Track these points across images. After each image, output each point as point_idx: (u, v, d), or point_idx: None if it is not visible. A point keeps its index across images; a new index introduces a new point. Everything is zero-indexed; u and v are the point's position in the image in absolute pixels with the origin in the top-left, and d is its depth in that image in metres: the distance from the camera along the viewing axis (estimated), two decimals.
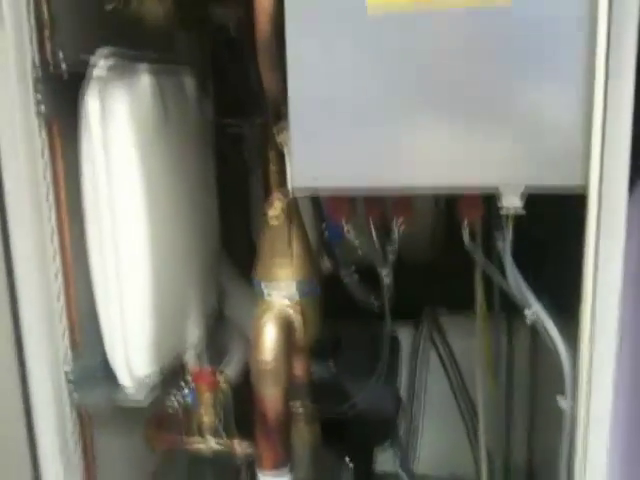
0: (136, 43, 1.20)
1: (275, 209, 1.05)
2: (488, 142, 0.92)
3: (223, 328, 1.49)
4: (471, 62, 0.90)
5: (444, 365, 1.64)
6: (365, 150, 0.94)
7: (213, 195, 1.46)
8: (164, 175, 1.20)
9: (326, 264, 1.39)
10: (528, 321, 1.01)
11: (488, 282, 1.30)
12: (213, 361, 1.35)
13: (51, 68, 1.04)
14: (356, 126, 0.94)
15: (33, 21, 1.02)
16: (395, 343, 1.56)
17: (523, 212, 0.93)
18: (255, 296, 1.18)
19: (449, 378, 1.64)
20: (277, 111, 1.07)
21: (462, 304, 1.42)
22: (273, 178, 1.21)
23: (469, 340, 1.49)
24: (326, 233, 1.24)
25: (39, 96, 1.02)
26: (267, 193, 1.39)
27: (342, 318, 1.41)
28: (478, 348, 1.45)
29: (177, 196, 1.25)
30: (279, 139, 1.08)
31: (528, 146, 0.91)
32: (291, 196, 1.03)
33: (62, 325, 1.11)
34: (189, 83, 1.32)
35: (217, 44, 1.45)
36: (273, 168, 1.22)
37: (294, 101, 0.95)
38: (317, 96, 0.94)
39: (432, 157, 0.93)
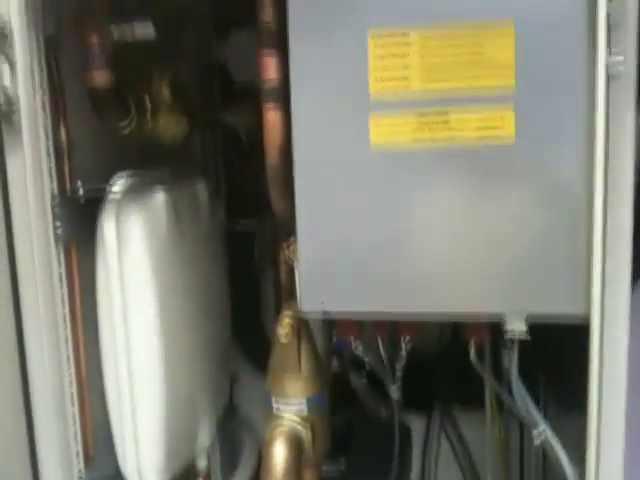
0: (151, 158, 1.26)
1: (284, 327, 1.07)
2: (492, 270, 0.94)
3: (235, 423, 1.51)
4: (473, 196, 0.93)
5: (456, 456, 1.64)
6: (373, 278, 0.97)
7: (225, 292, 1.49)
8: (177, 284, 1.23)
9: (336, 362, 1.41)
10: (536, 441, 1.02)
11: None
12: (224, 462, 1.36)
13: (68, 193, 1.09)
14: (364, 255, 0.97)
15: (52, 148, 1.06)
16: (407, 436, 1.57)
17: (528, 337, 0.95)
18: (266, 398, 1.20)
19: (461, 469, 1.63)
20: (287, 229, 1.10)
21: (474, 399, 1.43)
22: (284, 288, 1.24)
23: (482, 431, 1.49)
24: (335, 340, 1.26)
25: (57, 223, 1.05)
26: (278, 290, 1.42)
27: (354, 405, 1.44)
28: (489, 443, 1.45)
29: (190, 302, 1.28)
30: (288, 254, 1.11)
31: (532, 275, 0.93)
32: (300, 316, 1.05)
33: (76, 438, 1.12)
34: (202, 191, 1.36)
35: (229, 147, 1.49)
36: (284, 277, 1.24)
37: (303, 230, 0.99)
38: (326, 225, 0.98)
39: (437, 285, 0.96)
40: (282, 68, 0.99)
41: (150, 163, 1.24)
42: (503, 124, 0.91)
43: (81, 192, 1.08)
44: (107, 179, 1.13)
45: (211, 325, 1.38)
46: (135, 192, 1.13)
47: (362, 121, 0.95)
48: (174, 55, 1.31)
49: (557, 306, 0.93)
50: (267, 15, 0.99)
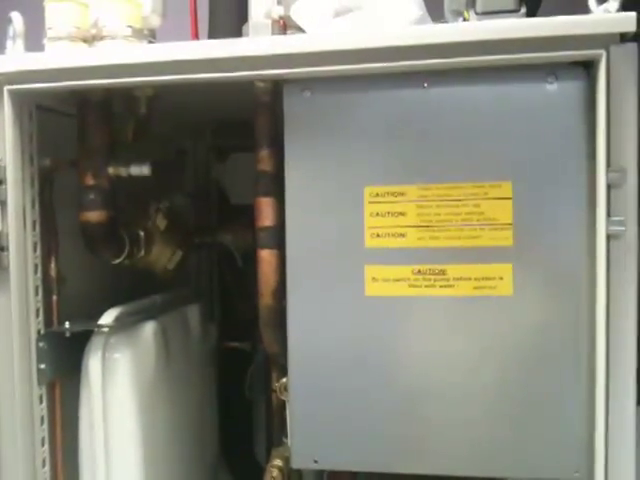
0: (144, 284, 1.23)
1: (273, 478, 1.03)
2: (491, 432, 0.90)
3: None
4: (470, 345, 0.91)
5: None
6: (365, 436, 0.93)
7: (214, 417, 1.45)
8: (163, 418, 1.18)
9: None
10: None
11: None
12: None
13: (55, 328, 1.06)
14: (357, 411, 0.93)
15: (40, 286, 1.04)
16: None
17: None
18: None
19: None
20: (282, 367, 1.07)
21: None
22: (276, 419, 1.20)
23: None
24: None
25: (42, 365, 1.02)
26: (270, 416, 1.37)
27: None
28: None
29: (176, 432, 1.23)
30: (282, 396, 1.07)
31: (531, 439, 0.90)
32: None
33: None
34: (194, 315, 1.34)
35: (224, 268, 1.47)
36: (276, 409, 1.20)
37: (294, 385, 0.96)
38: (321, 380, 0.95)
39: (434, 447, 0.92)
40: (279, 214, 0.98)
41: (142, 289, 1.22)
42: (501, 280, 0.89)
43: (67, 326, 1.05)
44: (98, 309, 1.10)
45: (198, 452, 1.33)
46: (123, 325, 1.10)
47: (357, 271, 0.93)
48: (172, 184, 1.30)
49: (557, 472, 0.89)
50: (265, 164, 0.99)
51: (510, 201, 0.88)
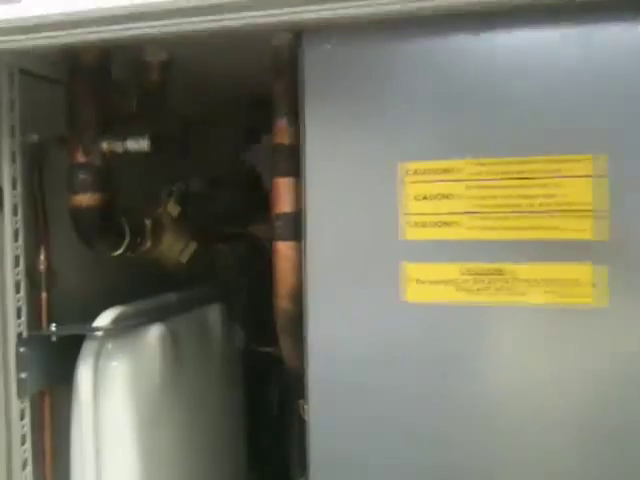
0: (156, 282, 1.07)
1: None
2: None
3: None
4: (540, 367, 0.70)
5: None
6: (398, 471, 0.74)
7: (240, 429, 1.28)
8: (171, 436, 1.02)
9: None
10: None
11: None
12: None
13: (45, 331, 0.91)
14: (391, 445, 0.74)
15: (24, 279, 0.89)
16: None
17: None
18: None
19: None
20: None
21: None
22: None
23: None
24: None
25: (22, 374, 0.87)
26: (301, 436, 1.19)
27: None
28: None
29: (187, 448, 1.07)
30: (304, 415, 0.89)
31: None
32: None
33: None
34: (215, 317, 1.17)
35: (256, 263, 1.30)
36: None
37: (314, 412, 0.80)
38: (341, 409, 0.77)
39: None
40: (301, 198, 0.79)
41: (156, 286, 1.06)
42: (590, 287, 0.68)
43: (53, 329, 0.89)
44: (97, 309, 0.94)
45: (217, 472, 1.16)
46: (123, 328, 0.93)
47: (391, 272, 0.73)
48: (189, 165, 1.14)
49: None
50: (283, 136, 0.81)
51: (604, 180, 0.67)
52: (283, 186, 0.81)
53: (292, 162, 0.80)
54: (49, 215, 0.93)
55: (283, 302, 0.84)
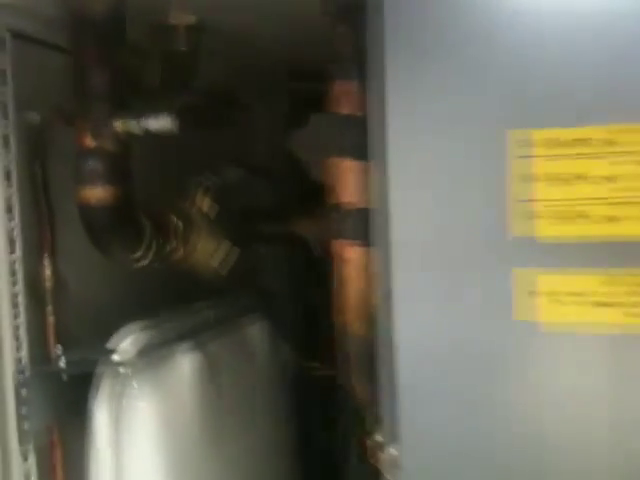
0: (183, 291, 0.89)
1: None
2: None
3: None
4: None
5: None
6: None
7: (292, 463, 1.09)
8: (209, 474, 0.84)
9: None
10: None
11: None
12: None
13: (51, 360, 0.74)
14: None
15: (22, 295, 0.72)
16: None
17: None
18: None
19: None
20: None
21: None
22: None
23: None
24: None
25: (24, 409, 0.70)
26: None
27: None
28: None
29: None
30: (375, 462, 0.71)
31: None
32: None
33: None
34: (259, 333, 0.99)
35: (302, 267, 1.11)
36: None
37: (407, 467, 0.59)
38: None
39: None
40: (367, 186, 0.61)
41: (182, 296, 0.88)
42: None
43: (63, 365, 0.72)
44: (116, 326, 0.77)
45: None
46: (149, 353, 0.76)
47: (499, 278, 0.54)
48: (226, 152, 0.96)
49: None
50: (344, 104, 0.62)
51: None
52: (349, 171, 0.62)
53: (360, 138, 0.61)
54: (55, 213, 0.76)
55: (350, 321, 0.65)
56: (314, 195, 1.19)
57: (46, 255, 0.76)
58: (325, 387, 1.16)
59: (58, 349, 0.72)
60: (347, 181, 0.63)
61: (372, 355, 0.63)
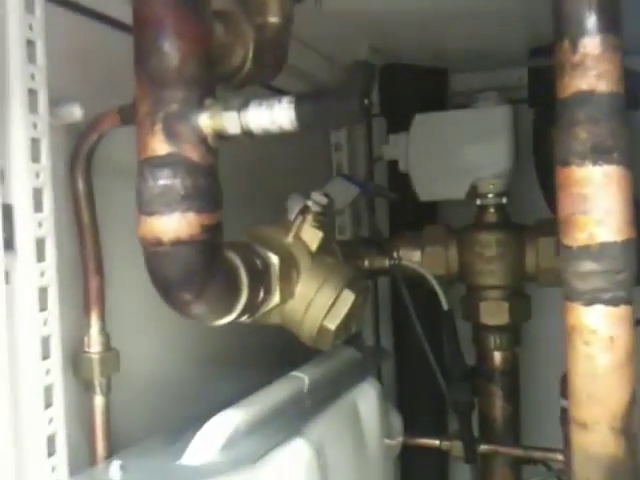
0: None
1: None
2: None
3: None
4: None
5: None
6: None
7: None
8: None
9: None
10: None
11: None
12: None
13: None
14: None
15: (59, 370, 0.48)
16: None
17: None
18: None
19: None
20: None
21: None
22: None
23: None
24: None
25: None
26: None
27: None
28: None
29: None
30: None
31: None
32: None
33: None
34: (371, 403, 0.73)
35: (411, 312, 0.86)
36: None
37: None
38: None
39: None
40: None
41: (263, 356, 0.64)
42: None
43: None
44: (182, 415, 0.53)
45: None
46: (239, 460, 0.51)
47: None
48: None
49: None
50: (593, 73, 0.37)
51: None
52: (603, 181, 0.37)
53: (616, 137, 0.36)
54: (104, 249, 0.52)
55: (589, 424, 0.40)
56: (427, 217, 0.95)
57: (93, 312, 0.52)
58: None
59: (113, 464, 0.48)
60: (594, 196, 0.38)
61: None
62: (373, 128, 1.09)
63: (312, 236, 0.61)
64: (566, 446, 0.54)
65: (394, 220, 1.01)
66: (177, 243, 0.45)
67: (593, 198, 0.37)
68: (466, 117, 0.86)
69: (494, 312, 0.82)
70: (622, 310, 0.37)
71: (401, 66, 0.96)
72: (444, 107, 0.98)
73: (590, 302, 0.38)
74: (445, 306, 0.78)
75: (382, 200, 1.02)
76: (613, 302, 0.37)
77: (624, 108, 0.38)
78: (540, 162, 0.89)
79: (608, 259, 0.37)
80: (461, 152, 0.85)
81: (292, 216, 0.63)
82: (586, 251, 0.37)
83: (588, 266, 0.37)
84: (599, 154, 0.37)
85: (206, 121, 0.46)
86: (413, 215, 0.97)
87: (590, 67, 0.37)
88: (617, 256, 0.37)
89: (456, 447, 0.81)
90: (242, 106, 0.46)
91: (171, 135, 0.46)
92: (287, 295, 0.59)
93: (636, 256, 0.38)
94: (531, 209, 0.87)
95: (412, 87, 0.97)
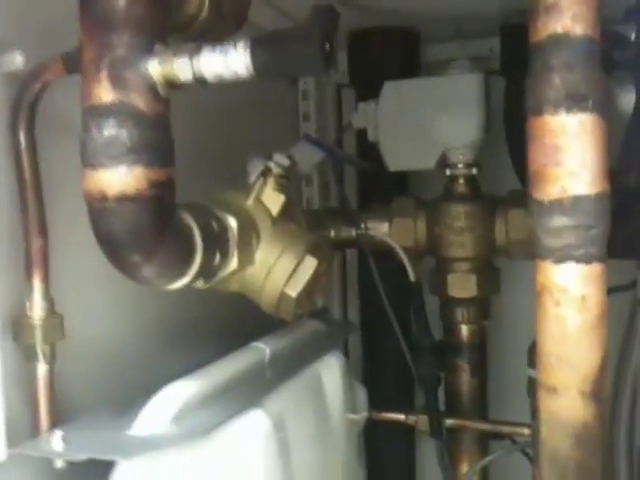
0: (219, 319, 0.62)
1: None
2: None
3: None
4: None
5: None
6: None
7: None
8: None
9: None
10: None
11: None
12: None
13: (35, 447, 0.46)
14: None
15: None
16: None
17: None
18: None
19: None
20: None
21: None
22: None
23: None
24: None
25: None
26: None
27: None
28: None
29: None
30: None
31: None
32: None
33: None
34: (335, 375, 0.71)
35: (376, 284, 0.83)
36: None
37: None
38: None
39: None
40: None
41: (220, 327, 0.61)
42: None
43: (58, 445, 0.45)
44: (139, 383, 0.50)
45: None
46: (193, 428, 0.48)
47: None
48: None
49: None
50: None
51: None
52: (577, 130, 0.35)
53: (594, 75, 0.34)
54: (48, 209, 0.49)
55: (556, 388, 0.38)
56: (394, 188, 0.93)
57: (35, 276, 0.48)
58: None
59: (56, 444, 0.45)
60: (569, 150, 0.36)
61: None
62: (343, 98, 1.07)
63: (273, 200, 0.58)
64: (534, 416, 0.52)
65: (363, 192, 0.99)
66: (123, 199, 0.42)
67: (567, 149, 0.35)
68: (437, 85, 0.84)
69: (462, 284, 0.80)
70: (594, 268, 0.35)
71: (371, 32, 0.93)
72: (416, 75, 0.95)
73: (561, 259, 0.36)
74: (412, 277, 0.76)
75: (351, 171, 1.00)
76: (585, 259, 0.35)
77: (600, 55, 0.36)
78: (511, 132, 0.87)
79: (581, 214, 0.35)
80: (431, 121, 0.82)
81: (253, 179, 0.60)
82: (558, 205, 0.35)
83: (560, 221, 0.35)
84: (573, 102, 0.35)
85: (155, 67, 0.43)
86: (382, 187, 0.95)
87: (565, 8, 0.35)
88: (590, 211, 0.35)
89: (422, 421, 0.80)
90: (194, 51, 0.43)
91: (117, 82, 0.42)
92: (246, 261, 0.56)
93: (609, 212, 0.36)
94: (503, 182, 0.85)
95: (382, 53, 0.94)
